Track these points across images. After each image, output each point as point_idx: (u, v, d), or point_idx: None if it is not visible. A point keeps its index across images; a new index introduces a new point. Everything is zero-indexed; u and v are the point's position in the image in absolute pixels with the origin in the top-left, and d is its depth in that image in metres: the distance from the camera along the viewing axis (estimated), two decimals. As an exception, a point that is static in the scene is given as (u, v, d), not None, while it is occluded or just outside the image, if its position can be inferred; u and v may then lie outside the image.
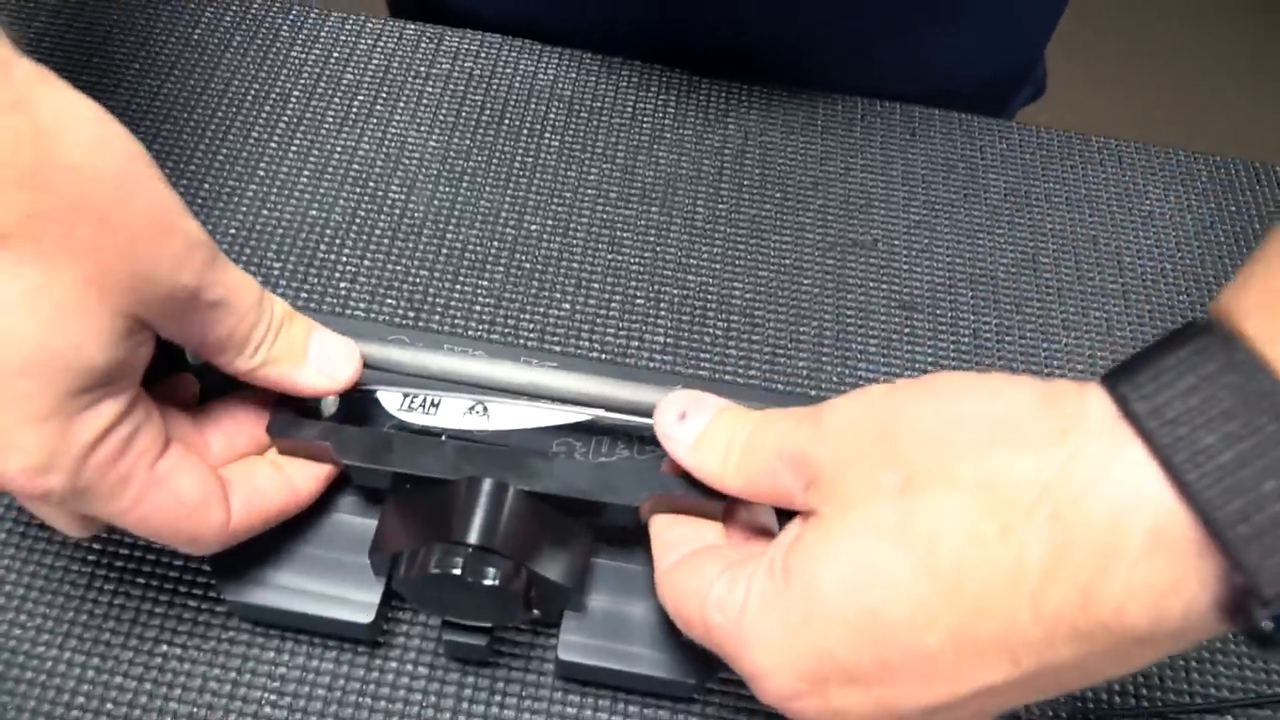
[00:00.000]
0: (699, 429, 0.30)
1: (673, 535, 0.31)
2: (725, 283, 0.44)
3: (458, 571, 0.29)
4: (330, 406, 0.34)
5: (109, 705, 0.34)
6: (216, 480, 0.31)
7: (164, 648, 0.35)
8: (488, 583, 0.29)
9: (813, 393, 0.42)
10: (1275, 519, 0.20)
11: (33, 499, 0.28)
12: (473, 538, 0.30)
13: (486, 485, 0.31)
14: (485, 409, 0.34)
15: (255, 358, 0.31)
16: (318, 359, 0.32)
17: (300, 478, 0.33)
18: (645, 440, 0.35)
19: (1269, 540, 0.20)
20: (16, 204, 0.25)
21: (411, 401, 0.34)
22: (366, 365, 0.34)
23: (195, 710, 0.34)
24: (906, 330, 0.44)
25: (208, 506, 0.30)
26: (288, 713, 0.34)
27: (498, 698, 0.35)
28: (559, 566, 0.32)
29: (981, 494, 0.23)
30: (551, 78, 0.50)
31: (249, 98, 0.48)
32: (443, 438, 0.34)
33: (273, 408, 0.33)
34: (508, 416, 0.34)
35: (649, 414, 0.32)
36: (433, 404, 0.34)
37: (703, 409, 0.31)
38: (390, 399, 0.35)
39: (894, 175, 0.49)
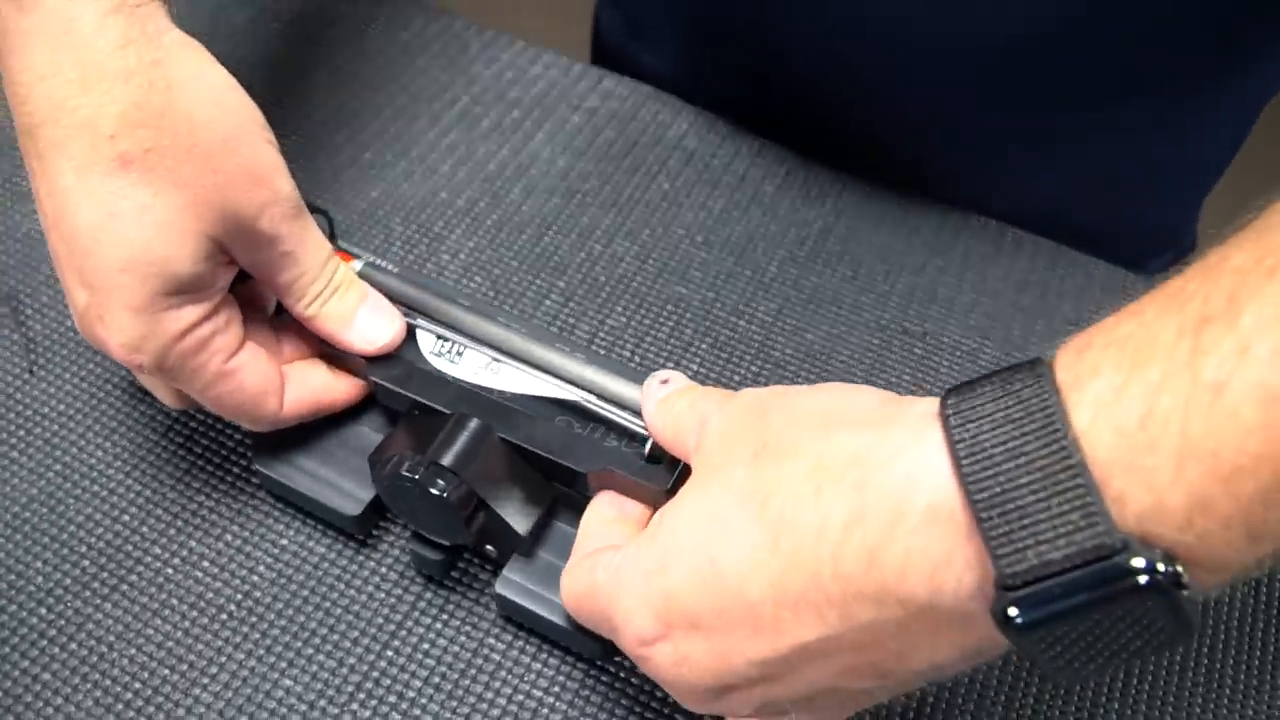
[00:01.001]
0: (669, 391, 0.35)
1: (597, 522, 0.35)
2: (770, 335, 0.48)
3: (413, 476, 0.35)
4: None
5: (144, 529, 0.41)
6: (278, 377, 0.38)
7: (201, 498, 0.42)
8: (434, 492, 0.34)
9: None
10: (1022, 512, 0.23)
11: (131, 369, 0.36)
12: (441, 458, 0.35)
13: (472, 423, 0.37)
14: (498, 367, 0.40)
15: (310, 308, 0.38)
16: (363, 325, 0.39)
17: (345, 384, 0.40)
18: (636, 438, 0.39)
19: (1014, 530, 0.23)
20: (142, 138, 0.33)
21: (442, 347, 0.40)
22: (418, 310, 0.40)
23: (207, 551, 0.41)
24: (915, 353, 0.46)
25: (265, 397, 0.37)
26: (275, 575, 0.40)
27: (444, 617, 0.40)
28: (513, 509, 0.37)
29: (809, 461, 0.27)
30: (683, 130, 0.56)
31: (427, 92, 0.57)
32: (459, 383, 0.39)
33: None
34: (515, 380, 0.39)
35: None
36: (458, 353, 0.40)
37: (680, 381, 0.36)
38: (426, 340, 0.41)
39: (966, 282, 0.51)
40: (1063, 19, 0.48)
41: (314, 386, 0.39)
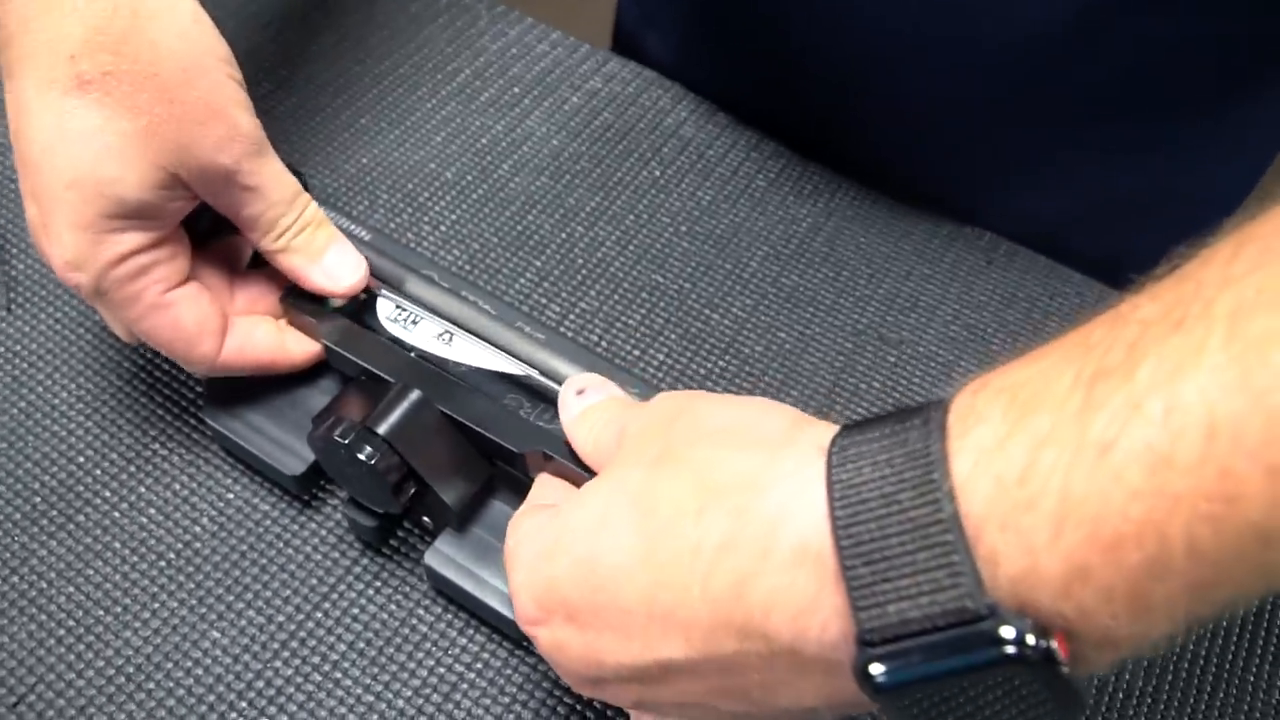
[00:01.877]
0: (586, 404, 0.34)
1: (540, 494, 0.35)
2: (741, 331, 0.48)
3: (344, 440, 0.35)
4: (339, 300, 0.41)
5: (97, 470, 0.42)
6: (218, 320, 0.38)
7: (156, 446, 0.43)
8: (361, 458, 0.35)
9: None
10: (889, 563, 0.21)
11: (72, 289, 0.36)
12: (376, 425, 0.35)
13: (413, 394, 0.37)
14: (451, 339, 0.40)
15: (277, 242, 0.38)
16: (330, 264, 0.39)
17: (295, 344, 0.40)
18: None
19: (878, 582, 0.21)
20: (100, 62, 0.33)
21: (399, 314, 0.40)
22: (379, 276, 0.40)
23: (154, 499, 0.41)
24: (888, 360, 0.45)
25: (200, 338, 0.37)
26: (217, 528, 0.41)
27: (377, 584, 0.40)
28: (446, 482, 0.37)
29: (699, 476, 0.26)
30: (681, 118, 0.56)
31: (430, 63, 0.57)
32: (410, 353, 0.39)
33: (291, 285, 0.40)
34: (468, 353, 0.39)
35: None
36: (413, 321, 0.40)
37: (598, 391, 0.35)
38: (385, 307, 0.41)
39: (951, 292, 0.50)
40: (1070, 35, 0.46)
41: (258, 340, 0.39)
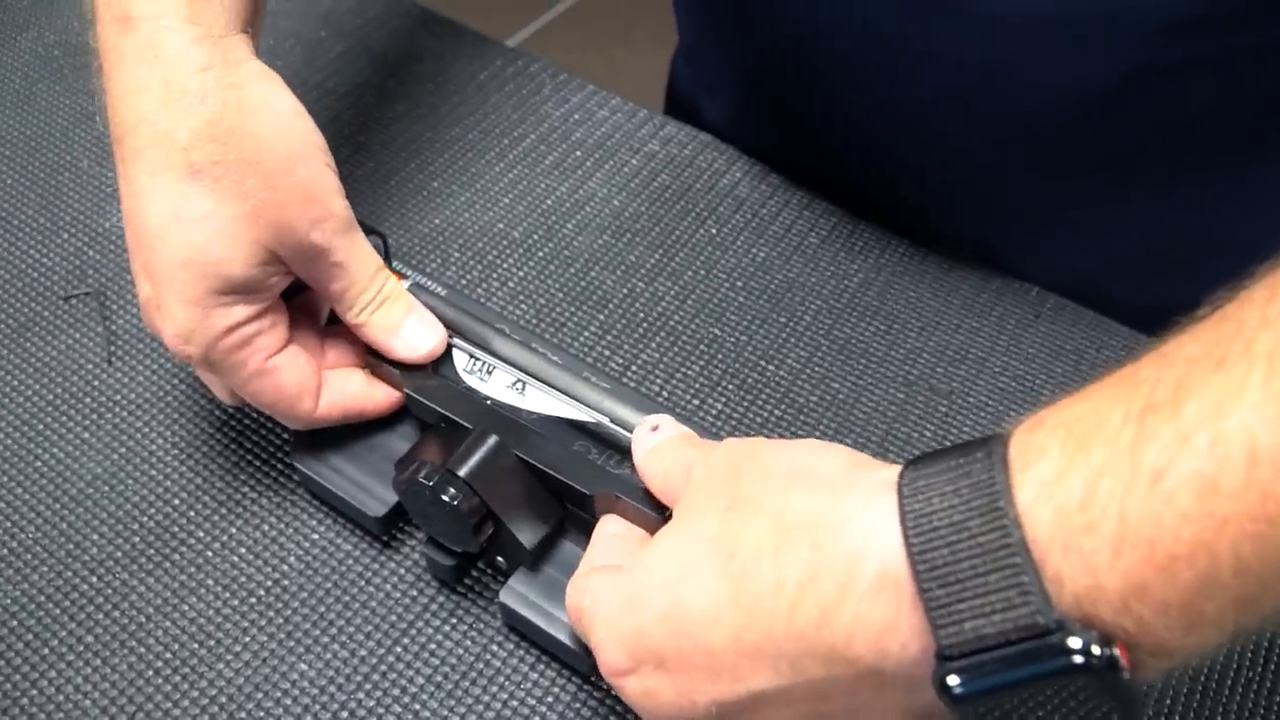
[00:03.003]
0: (658, 439, 0.37)
1: (600, 554, 0.37)
2: (796, 381, 0.50)
3: (429, 483, 0.37)
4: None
5: (191, 513, 0.45)
6: (315, 380, 0.41)
7: (245, 489, 0.45)
8: (446, 500, 0.37)
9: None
10: (962, 585, 0.23)
11: (183, 360, 0.39)
12: (457, 469, 0.38)
13: (490, 439, 0.39)
14: (524, 389, 0.42)
15: (359, 316, 0.41)
16: (408, 334, 0.42)
17: (381, 393, 0.43)
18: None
19: (954, 602, 0.24)
20: (210, 152, 0.36)
21: (474, 365, 0.43)
22: (455, 329, 0.43)
23: (244, 538, 0.44)
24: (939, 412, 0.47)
25: (301, 398, 0.40)
26: (304, 566, 0.43)
27: (453, 620, 0.42)
28: (522, 523, 0.39)
29: (773, 519, 0.28)
30: (736, 179, 0.59)
31: (497, 129, 0.60)
32: (486, 401, 0.42)
33: None
34: (540, 401, 0.42)
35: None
36: (488, 371, 0.43)
37: (669, 429, 0.37)
38: (460, 358, 0.43)
39: (999, 344, 0.52)
40: (1108, 95, 0.48)
41: (349, 393, 0.42)
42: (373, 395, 0.43)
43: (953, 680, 0.24)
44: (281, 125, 0.38)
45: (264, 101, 0.38)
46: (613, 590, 0.32)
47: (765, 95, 0.61)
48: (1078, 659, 0.22)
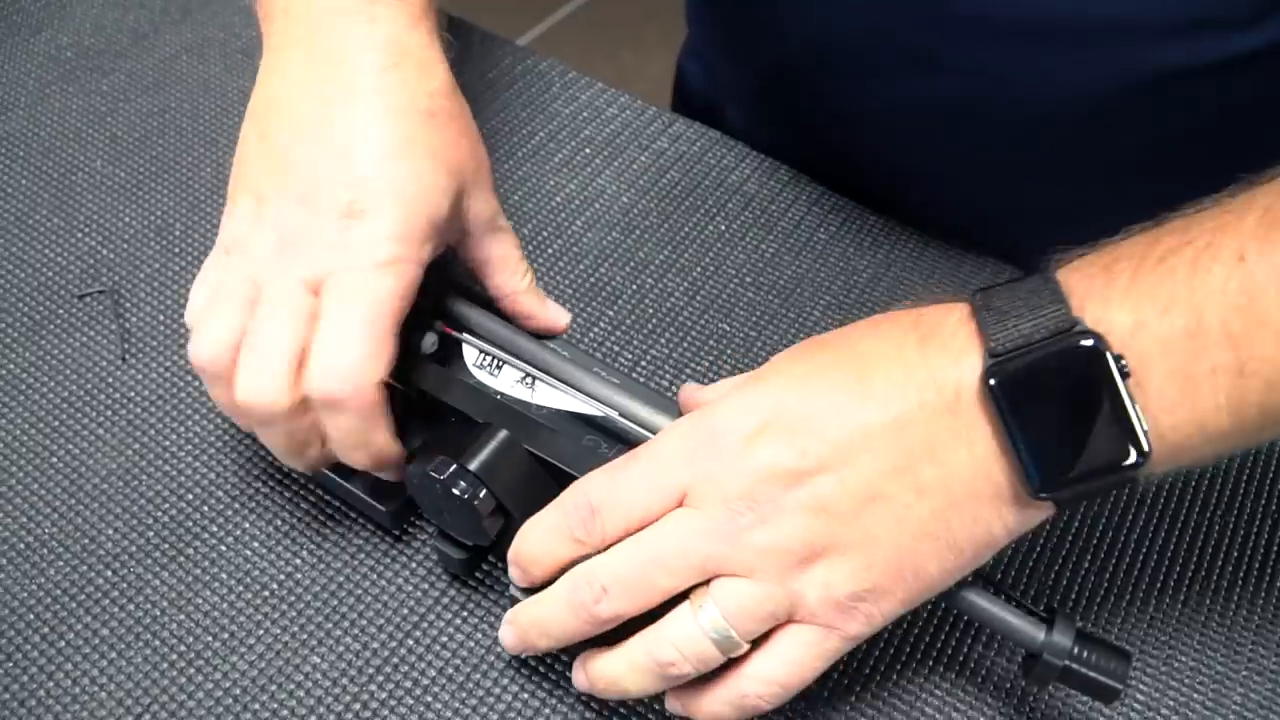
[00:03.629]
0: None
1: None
2: (805, 375, 0.50)
3: (439, 476, 0.37)
4: (429, 346, 0.43)
5: (204, 507, 0.45)
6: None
7: (258, 485, 0.46)
8: (456, 494, 0.37)
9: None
10: (1010, 317, 0.31)
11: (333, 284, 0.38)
12: (468, 463, 0.38)
13: (501, 434, 0.39)
14: (533, 383, 0.42)
15: (523, 280, 0.44)
16: (555, 309, 0.45)
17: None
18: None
19: (1000, 322, 0.31)
20: (444, 105, 0.41)
21: (483, 360, 0.43)
22: (465, 325, 0.44)
23: (257, 533, 0.44)
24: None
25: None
26: (316, 560, 0.44)
27: (464, 614, 0.42)
28: (531, 516, 0.39)
29: (882, 319, 0.35)
30: (745, 176, 0.59)
31: (506, 127, 0.61)
32: (496, 396, 0.42)
33: None
34: (550, 396, 0.42)
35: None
36: (497, 366, 0.43)
37: None
38: (470, 354, 0.44)
39: (1007, 338, 0.52)
40: (1126, 95, 0.48)
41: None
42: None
43: (993, 380, 0.30)
44: (460, 99, 0.43)
45: (448, 76, 0.43)
46: (734, 386, 0.37)
47: (781, 98, 0.61)
48: (1088, 341, 0.30)
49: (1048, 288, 0.32)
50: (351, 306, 0.37)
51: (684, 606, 0.33)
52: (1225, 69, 0.47)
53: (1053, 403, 0.30)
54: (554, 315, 0.44)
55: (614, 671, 0.35)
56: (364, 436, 0.38)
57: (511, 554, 0.37)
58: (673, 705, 0.36)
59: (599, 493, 0.35)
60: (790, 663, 0.33)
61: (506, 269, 0.43)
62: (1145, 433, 0.30)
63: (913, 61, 0.53)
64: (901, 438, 0.32)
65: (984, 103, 0.52)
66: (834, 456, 0.32)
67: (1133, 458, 0.30)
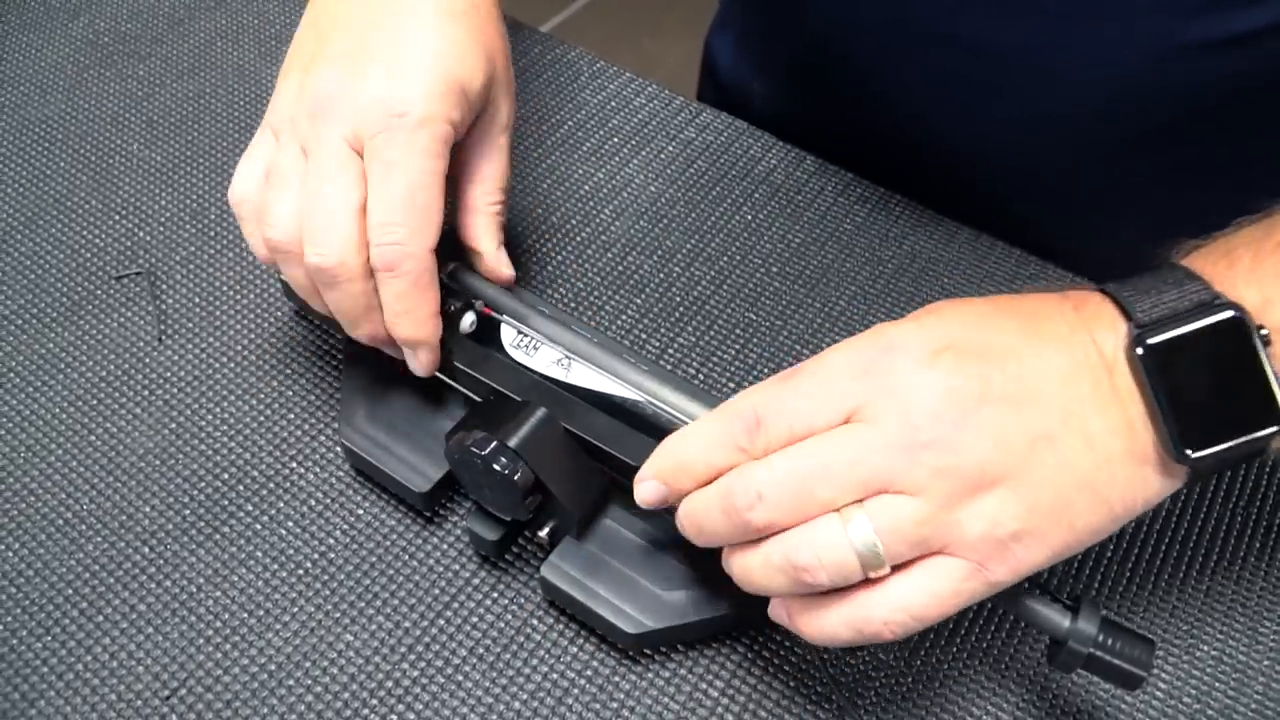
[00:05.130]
0: None
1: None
2: (831, 364, 0.50)
3: (481, 452, 0.38)
4: (468, 325, 0.44)
5: (240, 487, 0.46)
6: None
7: (293, 465, 0.47)
8: (497, 469, 0.38)
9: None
10: (1159, 293, 0.33)
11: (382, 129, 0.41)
12: (508, 439, 0.39)
13: (539, 411, 0.40)
14: (569, 365, 0.43)
15: (490, 203, 0.45)
16: (503, 256, 0.46)
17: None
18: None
19: (1147, 297, 0.33)
20: (473, 8, 0.44)
21: (521, 340, 0.44)
22: (503, 308, 0.44)
23: (292, 513, 0.45)
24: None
25: (434, 221, 0.41)
26: (349, 540, 0.44)
27: (494, 595, 0.43)
28: (569, 493, 0.40)
29: (1029, 294, 0.35)
30: (771, 165, 0.59)
31: (535, 115, 0.61)
32: (535, 375, 0.43)
33: None
34: (583, 376, 0.43)
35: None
36: (534, 347, 0.44)
37: None
38: (508, 334, 0.44)
39: (1033, 330, 0.52)
40: (1149, 71, 0.49)
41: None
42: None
43: (1147, 337, 0.32)
44: (497, 25, 0.45)
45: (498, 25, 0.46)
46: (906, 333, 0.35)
47: (808, 74, 0.61)
48: (1231, 313, 0.31)
49: (1181, 271, 0.33)
50: (396, 173, 0.40)
51: (832, 515, 0.32)
52: (1241, 43, 0.47)
53: (1197, 372, 0.31)
54: (495, 260, 0.46)
55: (749, 563, 0.34)
56: (413, 303, 0.40)
57: (655, 464, 0.36)
58: (779, 614, 0.35)
59: (765, 402, 0.34)
60: (928, 593, 0.32)
61: (488, 181, 0.45)
62: None
63: (933, 38, 0.54)
64: (1073, 385, 0.32)
65: (1002, 81, 0.52)
66: (1015, 389, 0.32)
67: (1272, 427, 0.31)
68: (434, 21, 0.42)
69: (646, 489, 0.36)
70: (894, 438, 0.32)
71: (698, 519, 0.34)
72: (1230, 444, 0.32)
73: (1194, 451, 0.31)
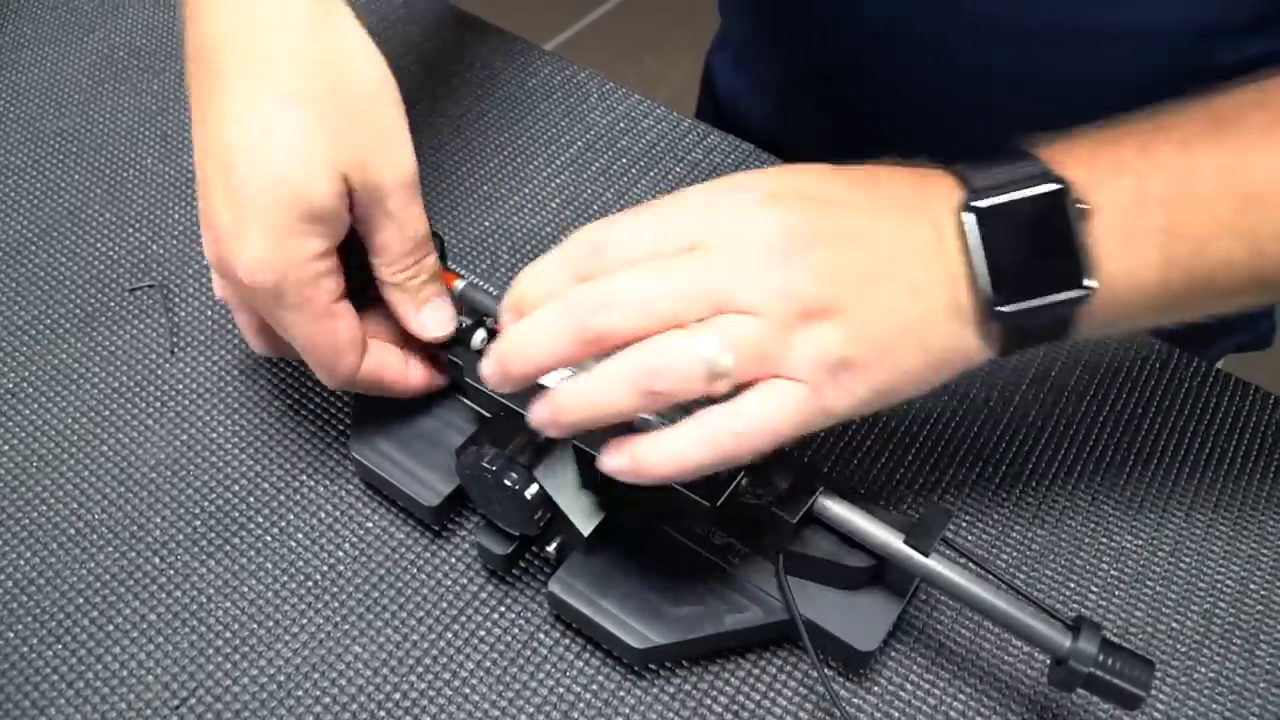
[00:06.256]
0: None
1: None
2: (835, 385, 0.51)
3: (492, 468, 0.39)
4: (479, 342, 0.45)
5: (250, 499, 0.46)
6: (361, 339, 0.42)
7: (303, 478, 0.47)
8: (507, 484, 0.38)
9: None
10: (991, 169, 0.35)
11: (242, 294, 0.40)
12: (519, 455, 0.39)
13: (547, 430, 0.40)
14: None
15: (394, 275, 0.42)
16: (425, 315, 0.43)
17: (415, 373, 0.44)
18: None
19: (983, 172, 0.35)
20: (305, 79, 0.38)
21: (527, 363, 0.44)
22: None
23: (302, 525, 0.46)
24: (981, 477, 0.48)
25: (349, 352, 0.41)
26: (358, 553, 0.45)
27: (501, 609, 0.43)
28: (578, 510, 0.40)
29: (877, 166, 0.38)
30: (704, 154, 0.60)
31: (545, 135, 0.62)
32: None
33: None
34: (589, 399, 0.43)
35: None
36: (540, 370, 0.44)
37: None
38: (514, 356, 0.45)
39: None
40: (1138, 97, 0.50)
41: (388, 365, 0.43)
42: (407, 373, 0.44)
43: (973, 205, 0.34)
44: (369, 69, 0.40)
45: (356, 45, 0.40)
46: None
47: (809, 96, 0.62)
48: (1052, 185, 0.34)
49: (1022, 152, 0.36)
50: (290, 332, 0.40)
51: (678, 330, 0.33)
52: (1237, 71, 0.48)
53: (1017, 235, 0.34)
54: (416, 325, 0.43)
55: (588, 388, 0.34)
56: (258, 333, 0.42)
57: (506, 301, 0.37)
58: (619, 462, 0.35)
59: (604, 232, 0.35)
60: (776, 408, 0.34)
61: (383, 256, 0.41)
62: (1089, 268, 0.34)
63: (931, 58, 0.55)
64: (904, 238, 0.35)
65: (996, 101, 0.53)
66: (848, 232, 0.35)
67: (1077, 291, 0.34)
68: (275, 117, 0.38)
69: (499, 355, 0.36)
70: (733, 260, 0.34)
71: (540, 333, 0.34)
72: (1037, 302, 0.34)
73: (1003, 307, 0.34)
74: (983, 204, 0.34)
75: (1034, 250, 0.34)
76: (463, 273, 0.48)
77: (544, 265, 0.36)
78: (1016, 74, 0.53)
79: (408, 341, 0.44)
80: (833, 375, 0.34)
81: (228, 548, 0.45)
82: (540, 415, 0.35)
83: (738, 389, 0.34)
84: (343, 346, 0.41)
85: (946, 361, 0.36)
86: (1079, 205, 0.34)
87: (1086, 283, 0.34)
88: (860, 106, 0.60)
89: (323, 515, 0.46)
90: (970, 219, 0.34)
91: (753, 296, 0.33)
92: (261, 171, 0.38)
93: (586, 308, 0.34)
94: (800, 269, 0.34)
